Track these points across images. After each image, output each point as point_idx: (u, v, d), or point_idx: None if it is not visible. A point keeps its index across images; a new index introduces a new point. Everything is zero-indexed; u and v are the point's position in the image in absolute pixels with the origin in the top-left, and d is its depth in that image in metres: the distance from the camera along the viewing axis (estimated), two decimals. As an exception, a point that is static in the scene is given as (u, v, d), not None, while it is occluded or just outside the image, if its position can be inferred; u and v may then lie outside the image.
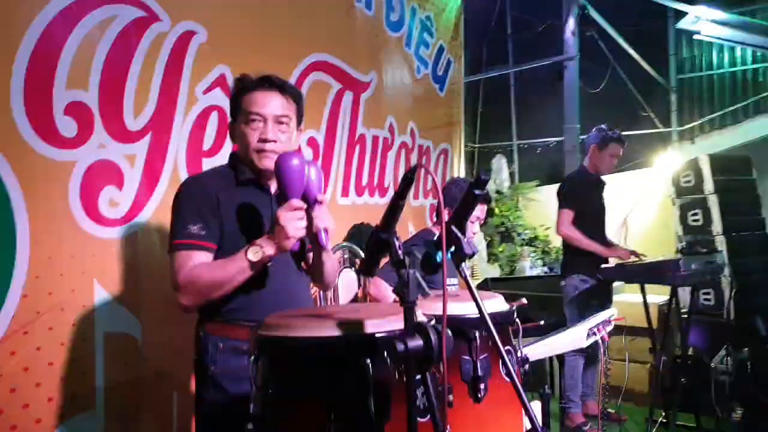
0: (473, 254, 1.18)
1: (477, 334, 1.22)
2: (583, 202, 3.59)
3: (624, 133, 7.34)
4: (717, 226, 5.16)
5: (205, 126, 2.53)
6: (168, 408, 2.35)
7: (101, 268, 2.15)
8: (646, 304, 3.59)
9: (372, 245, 1.17)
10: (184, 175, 2.42)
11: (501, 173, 8.48)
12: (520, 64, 7.78)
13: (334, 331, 1.03)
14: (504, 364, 1.10)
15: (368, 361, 0.96)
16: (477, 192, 1.19)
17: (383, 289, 2.50)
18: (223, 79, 2.59)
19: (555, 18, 6.09)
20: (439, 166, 4.16)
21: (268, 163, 1.65)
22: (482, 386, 1.21)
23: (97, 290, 2.14)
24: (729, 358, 3.76)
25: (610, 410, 3.63)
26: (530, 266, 7.42)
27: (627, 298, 4.62)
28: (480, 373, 1.22)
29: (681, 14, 6.21)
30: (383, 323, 1.03)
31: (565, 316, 3.87)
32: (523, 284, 5.71)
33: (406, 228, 3.74)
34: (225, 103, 2.58)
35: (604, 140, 3.60)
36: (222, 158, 2.60)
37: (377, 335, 1.00)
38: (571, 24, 5.12)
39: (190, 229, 1.58)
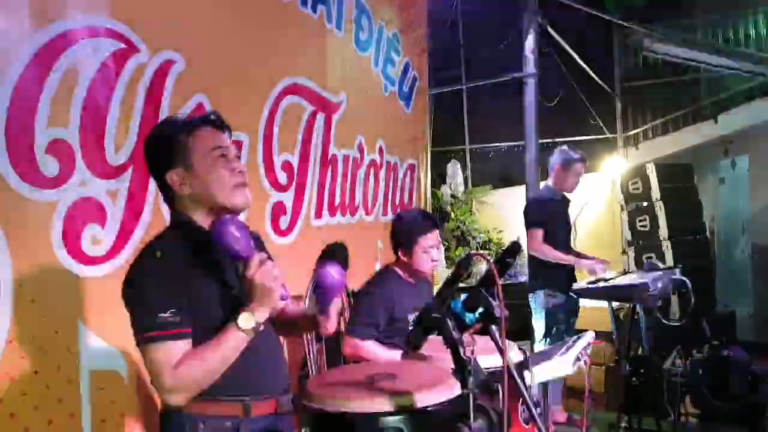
0: (503, 318, 1.27)
1: (499, 386, 1.30)
2: (552, 221, 3.75)
3: (572, 139, 7.70)
4: (663, 231, 5.49)
5: (184, 156, 2.51)
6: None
7: (85, 307, 2.12)
8: (613, 313, 3.82)
9: (424, 322, 1.25)
10: (166, 208, 2.39)
11: (456, 178, 8.66)
12: (473, 74, 7.96)
13: (388, 406, 1.09)
14: (529, 411, 1.19)
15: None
16: (508, 260, 1.29)
17: (365, 350, 2.48)
18: (200, 108, 2.57)
19: (511, 29, 6.29)
20: (406, 181, 4.25)
21: (247, 197, 1.55)
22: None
23: (81, 330, 2.10)
24: (680, 359, 4.01)
25: (575, 416, 3.83)
26: (486, 269, 7.61)
27: (585, 303, 4.83)
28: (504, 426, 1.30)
29: (624, 26, 6.57)
30: (433, 395, 1.11)
31: (526, 323, 4.04)
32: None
33: (375, 246, 3.81)
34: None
35: (568, 162, 3.78)
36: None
37: (431, 409, 1.07)
38: (530, 41, 5.30)
39: (162, 318, 1.38)
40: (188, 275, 1.45)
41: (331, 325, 1.62)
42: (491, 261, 1.37)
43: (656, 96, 7.54)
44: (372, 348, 2.50)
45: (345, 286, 1.55)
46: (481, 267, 6.96)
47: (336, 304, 1.61)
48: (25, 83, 1.92)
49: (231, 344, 1.40)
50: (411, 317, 2.67)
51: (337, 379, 1.52)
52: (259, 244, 1.70)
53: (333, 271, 1.52)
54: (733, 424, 3.48)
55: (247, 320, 1.39)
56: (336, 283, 1.53)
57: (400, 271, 2.71)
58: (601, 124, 7.69)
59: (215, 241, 1.41)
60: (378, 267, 3.43)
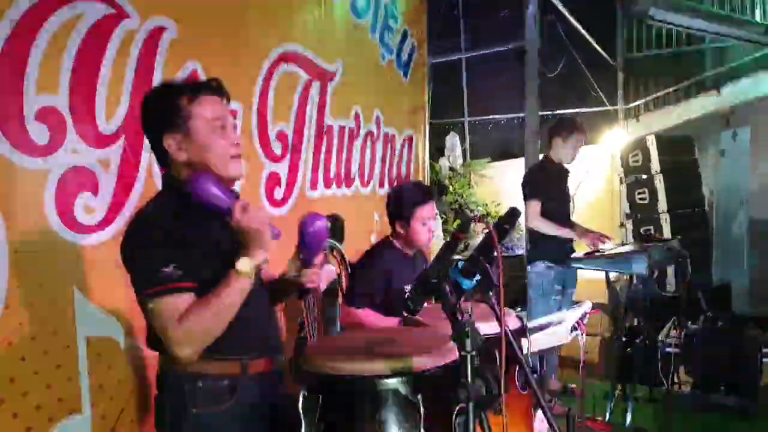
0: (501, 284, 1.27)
1: (497, 351, 1.31)
2: (550, 192, 3.73)
3: (573, 111, 7.63)
4: (662, 204, 5.48)
5: (177, 125, 2.49)
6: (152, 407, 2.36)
7: (80, 274, 2.12)
8: (609, 285, 3.83)
9: (422, 287, 1.26)
10: (158, 178, 2.38)
11: (455, 150, 8.63)
12: (472, 43, 7.86)
13: (387, 369, 1.13)
14: (526, 376, 1.20)
15: (419, 396, 1.06)
16: (507, 227, 1.29)
17: (363, 318, 2.48)
18: (194, 75, 2.55)
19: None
20: (404, 153, 4.22)
21: (241, 169, 1.56)
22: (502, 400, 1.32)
23: (77, 297, 2.11)
24: (675, 330, 4.04)
25: (572, 385, 3.87)
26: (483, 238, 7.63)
27: (582, 274, 4.83)
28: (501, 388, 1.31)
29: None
30: (431, 359, 1.13)
31: (524, 294, 4.07)
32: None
33: (372, 218, 3.81)
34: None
35: (567, 132, 3.74)
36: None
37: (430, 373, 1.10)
38: (532, 11, 5.21)
39: (163, 272, 1.36)
40: (184, 235, 1.43)
41: (315, 277, 1.62)
42: (491, 225, 1.36)
43: (659, 67, 7.45)
44: (370, 315, 2.52)
45: (327, 237, 1.58)
46: (478, 238, 6.96)
47: (320, 258, 1.63)
48: (11, 47, 1.89)
49: (233, 290, 1.39)
50: (408, 289, 2.68)
51: (336, 342, 1.56)
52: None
53: (317, 219, 1.57)
54: (726, 394, 3.52)
55: (244, 264, 1.38)
56: (319, 229, 1.55)
57: (397, 244, 2.71)
58: (602, 96, 7.62)
59: (196, 196, 1.43)
60: (374, 239, 3.43)
